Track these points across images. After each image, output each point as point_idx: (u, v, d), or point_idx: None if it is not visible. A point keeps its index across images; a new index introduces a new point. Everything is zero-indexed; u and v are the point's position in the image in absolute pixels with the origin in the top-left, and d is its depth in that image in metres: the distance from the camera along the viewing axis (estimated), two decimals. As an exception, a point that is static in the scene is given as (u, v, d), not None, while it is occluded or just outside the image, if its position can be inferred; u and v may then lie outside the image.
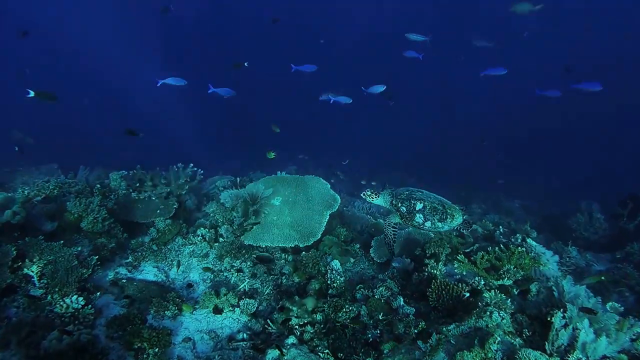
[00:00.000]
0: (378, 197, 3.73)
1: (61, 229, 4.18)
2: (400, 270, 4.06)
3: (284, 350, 2.94)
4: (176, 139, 17.27)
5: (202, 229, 4.75)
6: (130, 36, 24.16)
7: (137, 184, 5.02)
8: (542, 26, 18.44)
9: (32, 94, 4.27)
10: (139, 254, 4.38)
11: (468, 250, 4.37)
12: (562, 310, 2.72)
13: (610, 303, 2.96)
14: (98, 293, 3.60)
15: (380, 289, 3.58)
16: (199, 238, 4.65)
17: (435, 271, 3.80)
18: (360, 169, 12.93)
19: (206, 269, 4.23)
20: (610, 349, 2.48)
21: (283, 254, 4.49)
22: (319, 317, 3.36)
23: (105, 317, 3.35)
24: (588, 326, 2.48)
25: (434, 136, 20.32)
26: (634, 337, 2.58)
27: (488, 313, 2.82)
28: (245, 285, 4.02)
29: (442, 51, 15.14)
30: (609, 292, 4.61)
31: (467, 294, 3.20)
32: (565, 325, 2.56)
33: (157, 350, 3.06)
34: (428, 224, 3.49)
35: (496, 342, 2.52)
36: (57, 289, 3.35)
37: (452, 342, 2.69)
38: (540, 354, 2.43)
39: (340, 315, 3.29)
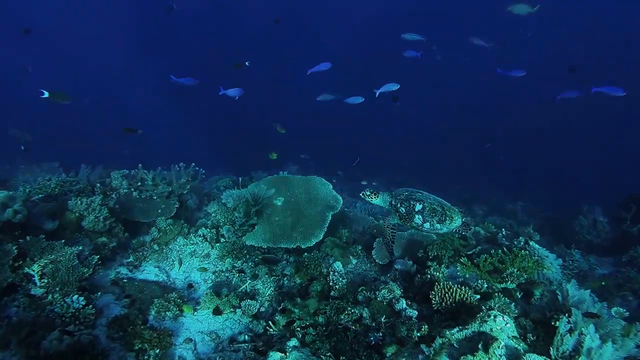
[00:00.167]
0: (377, 197, 3.70)
1: (62, 228, 4.16)
2: (402, 272, 4.03)
3: (286, 352, 2.92)
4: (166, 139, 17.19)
5: (204, 229, 4.74)
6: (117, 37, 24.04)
7: (139, 183, 5.00)
8: (542, 26, 18.43)
9: (46, 94, 4.25)
10: (140, 253, 4.36)
11: (470, 252, 4.34)
12: (567, 315, 2.70)
13: (615, 308, 2.94)
14: (99, 293, 3.58)
15: (383, 291, 3.55)
16: (200, 238, 4.63)
17: (438, 274, 3.78)
18: (360, 169, 12.89)
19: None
20: (616, 355, 2.45)
21: (284, 255, 4.47)
22: (321, 319, 3.33)
23: (106, 317, 3.33)
24: (594, 331, 2.46)
25: (434, 136, 20.29)
26: (640, 343, 2.56)
27: (492, 317, 2.79)
28: (246, 286, 4.00)
29: (443, 51, 15.10)
30: (612, 296, 4.58)
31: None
32: (571, 331, 2.53)
33: (158, 351, 3.05)
34: (427, 225, 3.47)
35: (500, 346, 2.49)
36: (58, 289, 3.34)
37: (456, 346, 2.67)
38: (545, 359, 2.40)
39: (342, 317, 3.27)
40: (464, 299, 3.19)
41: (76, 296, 3.24)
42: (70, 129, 18.39)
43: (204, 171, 5.48)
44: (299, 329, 3.28)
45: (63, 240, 3.75)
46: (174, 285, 4.14)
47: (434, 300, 3.27)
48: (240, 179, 6.05)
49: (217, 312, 3.65)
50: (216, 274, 4.25)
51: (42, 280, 3.37)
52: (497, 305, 3.08)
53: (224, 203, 4.82)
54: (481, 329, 2.74)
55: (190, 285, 4.11)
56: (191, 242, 4.62)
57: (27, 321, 2.93)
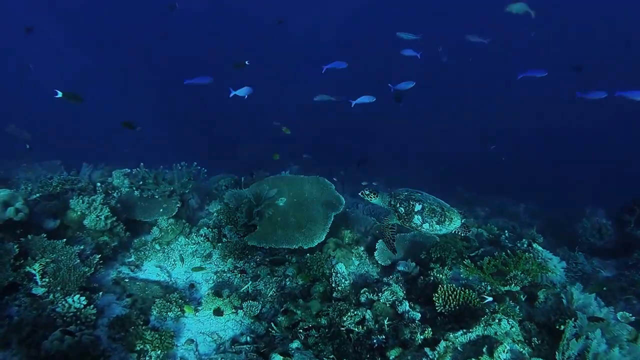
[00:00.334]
0: (376, 196, 3.67)
1: (64, 227, 4.15)
2: (405, 274, 4.01)
3: (289, 354, 2.89)
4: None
5: (205, 228, 4.72)
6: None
7: (140, 182, 4.99)
8: (543, 26, 18.36)
9: (60, 94, 4.25)
10: (142, 253, 4.34)
11: (473, 254, 4.32)
12: (573, 319, 2.67)
13: (621, 312, 2.91)
14: (100, 292, 3.56)
15: (386, 293, 3.52)
16: (201, 238, 4.61)
17: (441, 276, 3.75)
18: (361, 169, 12.84)
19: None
20: (623, 360, 2.42)
21: (287, 256, 4.44)
22: (323, 321, 3.31)
23: (107, 317, 3.31)
24: (600, 336, 2.43)
25: (433, 137, 20.25)
26: (646, 348, 2.53)
27: (497, 320, 2.76)
28: (248, 287, 3.98)
29: (449, 53, 15.05)
30: (616, 300, 4.54)
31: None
32: (577, 335, 2.51)
33: (159, 352, 3.03)
34: (426, 225, 3.44)
35: (505, 350, 2.47)
36: (59, 288, 3.32)
37: (460, 349, 2.64)
38: (551, 364, 2.38)
39: (345, 319, 3.24)
40: (468, 301, 3.16)
41: (77, 296, 3.22)
42: (70, 129, 18.32)
43: (205, 170, 5.46)
44: (301, 330, 3.25)
45: (64, 239, 3.73)
46: (175, 285, 4.12)
47: (438, 303, 3.24)
48: (242, 178, 6.03)
49: (218, 312, 3.62)
50: (218, 274, 4.23)
51: (43, 280, 3.35)
52: (501, 308, 3.05)
53: (226, 203, 4.80)
54: (486, 332, 2.72)
55: (192, 285, 4.09)
56: (193, 241, 4.60)
57: (28, 321, 2.91)
